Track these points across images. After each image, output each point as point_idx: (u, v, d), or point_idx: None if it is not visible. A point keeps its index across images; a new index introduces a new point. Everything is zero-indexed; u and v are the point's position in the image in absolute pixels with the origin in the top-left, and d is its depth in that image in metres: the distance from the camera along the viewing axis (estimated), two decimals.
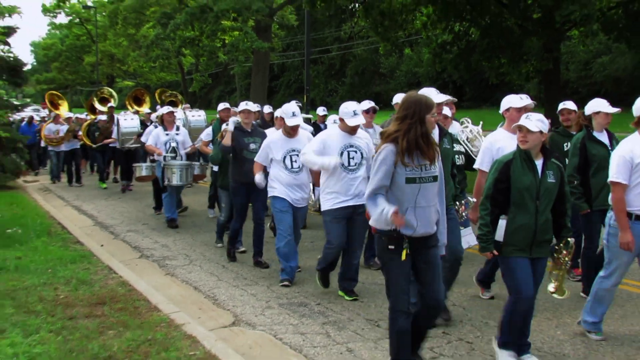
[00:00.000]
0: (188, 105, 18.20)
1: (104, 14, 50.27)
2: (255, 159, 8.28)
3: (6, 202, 14.45)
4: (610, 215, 5.83)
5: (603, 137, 7.22)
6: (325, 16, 52.07)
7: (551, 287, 5.69)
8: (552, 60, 17.95)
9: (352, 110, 7.14)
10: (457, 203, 6.55)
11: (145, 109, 18.67)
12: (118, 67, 59.25)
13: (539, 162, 5.25)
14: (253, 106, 9.29)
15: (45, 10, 54.39)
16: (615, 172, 5.70)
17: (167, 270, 8.96)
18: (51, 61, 67.82)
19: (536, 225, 5.20)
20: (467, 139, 8.40)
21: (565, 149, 7.65)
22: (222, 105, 11.80)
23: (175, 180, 11.62)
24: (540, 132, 5.16)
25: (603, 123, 7.24)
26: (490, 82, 21.52)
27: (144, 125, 16.04)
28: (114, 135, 16.62)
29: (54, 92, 23.59)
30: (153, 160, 12.76)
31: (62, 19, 58.81)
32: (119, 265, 8.87)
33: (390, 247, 4.83)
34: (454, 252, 6.15)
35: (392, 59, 52.57)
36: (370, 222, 4.89)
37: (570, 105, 8.12)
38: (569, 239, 5.42)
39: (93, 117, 19.26)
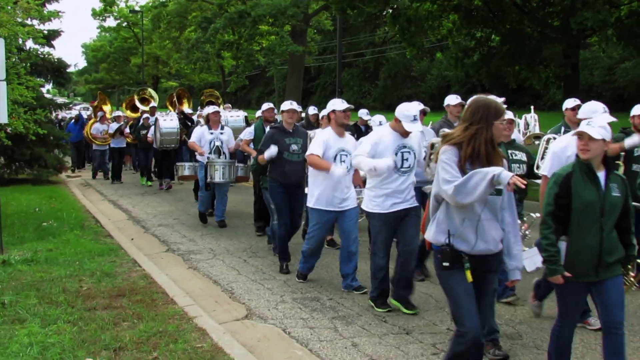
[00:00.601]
0: (229, 105, 18.27)
1: (149, 18, 51.17)
2: (311, 151, 7.47)
3: (46, 196, 14.92)
4: None
5: None
6: (358, 22, 52.32)
7: None
8: (570, 66, 18.05)
9: (413, 114, 6.54)
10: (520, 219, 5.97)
11: (185, 108, 18.93)
12: (162, 69, 60.26)
13: (600, 174, 4.64)
14: (290, 106, 8.82)
15: (95, 14, 55.53)
16: None
17: (190, 263, 9.17)
18: (100, 62, 69.43)
19: (601, 246, 4.57)
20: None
21: None
22: (266, 105, 11.28)
23: (218, 177, 11.50)
24: (603, 140, 4.56)
25: None
26: (510, 87, 21.59)
27: (184, 122, 16.48)
28: (150, 134, 16.73)
29: (102, 92, 24.22)
30: (196, 160, 12.75)
31: (110, 22, 60.07)
32: (144, 258, 9.11)
33: (445, 264, 4.37)
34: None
35: (424, 63, 52.83)
36: (426, 236, 4.51)
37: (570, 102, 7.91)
38: (637, 260, 4.94)
39: (134, 115, 19.85)
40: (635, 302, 6.98)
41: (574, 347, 5.71)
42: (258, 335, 6.20)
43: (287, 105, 8.83)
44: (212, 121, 12.04)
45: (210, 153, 11.71)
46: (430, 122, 10.09)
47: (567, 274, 4.57)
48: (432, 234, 4.49)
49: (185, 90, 22.21)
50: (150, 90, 22.68)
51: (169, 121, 15.94)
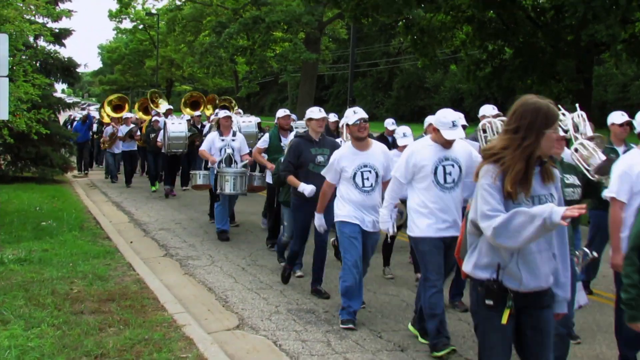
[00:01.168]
0: (240, 111, 17.64)
1: (164, 21, 51.27)
2: (326, 178, 6.90)
3: (49, 196, 14.79)
4: None
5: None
6: (372, 31, 52.30)
7: None
8: (582, 81, 17.85)
9: (451, 120, 5.77)
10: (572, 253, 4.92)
11: (198, 112, 18.72)
12: (175, 72, 60.35)
13: None
14: (319, 114, 7.96)
15: (111, 15, 55.60)
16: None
17: (187, 269, 9.00)
18: (115, 63, 69.52)
19: None
20: (580, 159, 6.37)
21: None
22: (282, 112, 10.60)
23: (229, 189, 10.62)
24: None
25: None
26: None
27: (195, 127, 16.25)
28: (159, 138, 15.92)
29: (119, 95, 23.72)
30: (207, 167, 12.00)
31: (127, 24, 60.04)
32: (139, 262, 8.92)
33: (487, 302, 3.66)
34: (565, 320, 4.74)
35: (437, 75, 52.78)
36: (464, 268, 3.83)
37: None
38: None
39: (147, 117, 19.38)
40: None
41: None
42: (247, 347, 6.00)
43: (315, 112, 7.90)
44: (223, 126, 11.32)
45: (221, 161, 10.93)
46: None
47: None
48: (473, 267, 3.75)
49: (201, 94, 21.86)
50: (161, 94, 22.36)
51: (177, 125, 15.39)
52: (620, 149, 7.26)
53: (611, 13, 14.68)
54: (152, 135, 16.65)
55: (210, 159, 11.07)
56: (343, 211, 6.71)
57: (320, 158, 7.69)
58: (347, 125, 6.72)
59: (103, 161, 21.82)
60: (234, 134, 11.33)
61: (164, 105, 19.52)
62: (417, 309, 6.22)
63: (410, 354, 5.89)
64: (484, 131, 7.33)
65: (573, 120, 6.60)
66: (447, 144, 5.85)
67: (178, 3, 46.42)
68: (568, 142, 6.13)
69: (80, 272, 8.10)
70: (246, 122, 14.26)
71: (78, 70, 20.30)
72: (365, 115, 6.64)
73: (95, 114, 26.60)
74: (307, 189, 7.54)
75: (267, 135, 10.69)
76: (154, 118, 17.49)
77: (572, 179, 5.60)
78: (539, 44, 19.14)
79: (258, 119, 17.08)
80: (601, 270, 7.81)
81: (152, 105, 20.44)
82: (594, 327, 6.73)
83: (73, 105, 20.19)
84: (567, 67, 18.19)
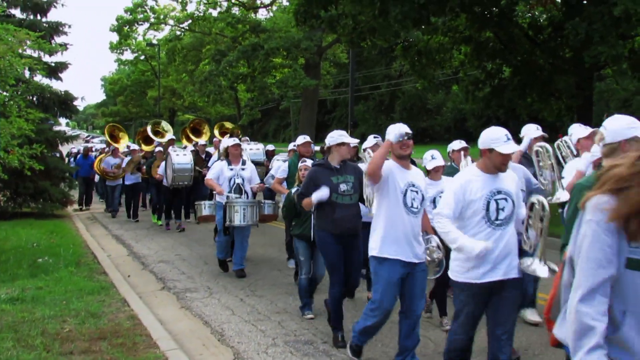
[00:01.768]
0: (247, 138, 16.83)
1: (165, 51, 51.53)
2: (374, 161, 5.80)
3: (47, 231, 14.62)
4: None
5: None
6: (372, 54, 52.47)
7: None
8: (582, 97, 17.74)
9: (504, 134, 5.07)
10: None
11: (202, 140, 18.11)
12: (176, 102, 60.55)
13: None
14: (351, 139, 7.27)
15: (113, 47, 55.89)
16: None
17: (184, 302, 8.80)
18: (117, 95, 69.87)
19: None
20: None
21: None
22: (302, 138, 9.94)
23: (238, 220, 9.85)
24: None
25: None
26: (522, 119, 21.37)
27: (197, 155, 15.70)
28: (161, 170, 15.23)
29: (115, 124, 23.46)
30: (212, 197, 11.42)
31: (128, 55, 60.44)
32: (134, 297, 8.74)
33: None
34: None
35: (440, 96, 52.93)
36: (557, 333, 3.03)
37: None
38: None
39: (148, 148, 18.79)
40: None
41: None
42: None
43: (335, 137, 7.02)
44: (232, 155, 10.52)
45: (230, 192, 10.23)
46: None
47: None
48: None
49: (203, 120, 21.39)
50: (164, 124, 21.76)
51: (182, 156, 14.51)
52: None
53: (612, 31, 14.58)
54: (153, 166, 16.12)
55: (218, 189, 10.25)
56: (382, 243, 5.80)
57: (344, 186, 6.82)
58: (389, 141, 5.77)
59: (102, 194, 21.53)
60: (244, 163, 10.59)
61: (169, 135, 18.94)
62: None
63: None
64: (538, 154, 7.02)
65: None
66: (501, 166, 5.06)
67: (178, 33, 46.73)
68: None
69: (73, 309, 7.91)
70: (254, 149, 13.86)
71: (75, 103, 20.20)
72: (409, 131, 5.81)
73: (100, 146, 26.51)
74: (319, 192, 6.70)
75: (285, 164, 10.25)
76: (157, 149, 16.83)
77: None
78: (537, 61, 19.06)
79: (271, 146, 16.86)
80: None
81: (156, 137, 19.63)
82: None
83: (71, 138, 19.93)
84: (566, 84, 18.07)
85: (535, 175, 6.89)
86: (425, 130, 50.38)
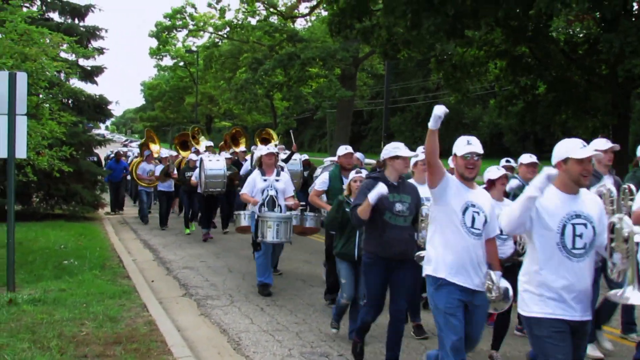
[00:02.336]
0: (283, 147, 16.32)
1: (202, 58, 51.96)
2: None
3: (76, 233, 14.76)
4: None
5: None
6: (409, 67, 52.33)
7: None
8: (618, 115, 17.39)
9: (580, 141, 4.51)
10: None
11: (242, 147, 17.74)
12: (213, 109, 60.96)
13: None
14: (407, 152, 6.32)
15: (152, 53, 56.55)
16: None
17: (204, 309, 8.78)
18: (155, 100, 70.63)
19: None
20: None
21: None
22: (343, 149, 9.21)
23: (271, 237, 9.22)
24: None
25: None
26: (556, 137, 21.00)
27: (237, 165, 15.42)
28: (195, 176, 14.86)
29: (150, 129, 23.06)
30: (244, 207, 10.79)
31: (167, 61, 61.10)
32: (155, 303, 8.73)
33: None
34: None
35: (476, 110, 52.41)
36: None
37: None
38: None
39: (185, 154, 18.59)
40: None
41: None
42: None
43: (389, 150, 6.28)
44: (266, 165, 9.87)
45: (262, 205, 9.57)
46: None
47: None
48: None
49: (241, 129, 20.72)
50: (204, 135, 21.28)
51: (214, 162, 14.27)
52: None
53: None
54: (188, 174, 15.47)
55: (252, 201, 9.66)
56: (438, 264, 5.17)
57: (399, 206, 6.14)
58: (455, 156, 5.21)
59: (133, 196, 21.49)
60: (278, 173, 9.89)
61: (204, 143, 18.68)
62: None
63: None
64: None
65: None
66: (579, 184, 4.45)
67: (216, 40, 47.08)
68: None
69: (92, 313, 7.94)
70: (290, 159, 13.46)
71: (110, 107, 20.41)
72: (479, 150, 5.11)
73: (135, 151, 26.63)
74: (377, 189, 5.98)
75: (325, 175, 9.33)
76: (190, 156, 16.33)
77: None
78: (572, 78, 18.82)
79: (305, 156, 16.63)
80: None
81: (192, 142, 19.41)
82: None
83: (105, 142, 20.10)
84: (602, 101, 17.74)
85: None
86: None
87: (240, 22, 42.68)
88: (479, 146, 5.13)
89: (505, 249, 6.35)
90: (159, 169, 17.80)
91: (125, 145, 52.37)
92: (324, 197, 9.25)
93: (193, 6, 46.11)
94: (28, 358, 6.11)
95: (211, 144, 17.80)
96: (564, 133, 19.80)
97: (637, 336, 7.10)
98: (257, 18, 42.00)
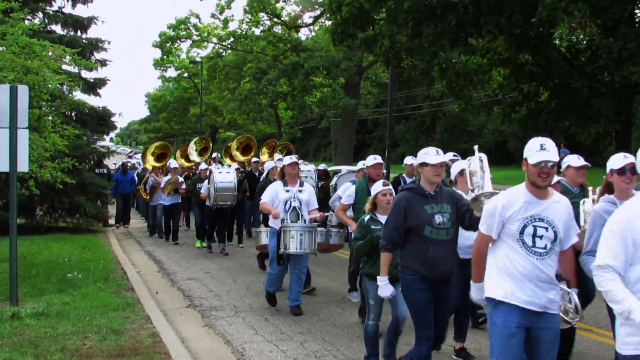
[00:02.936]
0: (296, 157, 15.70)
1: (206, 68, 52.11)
2: (480, 230, 4.75)
3: (80, 246, 14.75)
4: None
5: None
6: (413, 75, 52.38)
7: None
8: (621, 121, 17.43)
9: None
10: None
11: (256, 157, 17.11)
12: (217, 119, 61.03)
13: None
14: (438, 157, 5.69)
15: (156, 64, 56.72)
16: None
17: (208, 321, 8.74)
18: (160, 111, 70.73)
19: None
20: None
21: None
22: (372, 159, 8.64)
23: (294, 247, 8.71)
24: None
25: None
26: (559, 143, 20.97)
27: (252, 177, 15.20)
28: (204, 189, 14.48)
29: (162, 142, 21.41)
30: (266, 223, 10.28)
31: (171, 72, 61.25)
32: (159, 315, 8.71)
33: None
34: None
35: (481, 118, 52.48)
36: None
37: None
38: None
39: (189, 165, 18.11)
40: None
41: None
42: None
43: (419, 156, 5.78)
44: (289, 175, 9.37)
45: (285, 218, 9.05)
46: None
47: None
48: None
49: (252, 138, 19.79)
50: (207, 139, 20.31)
51: (224, 174, 13.89)
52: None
53: None
54: (199, 185, 14.96)
55: (274, 211, 9.10)
56: (497, 285, 4.59)
57: (439, 218, 5.57)
58: (526, 160, 4.55)
59: (143, 212, 21.24)
60: (301, 184, 9.44)
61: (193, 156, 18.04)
62: None
63: None
64: None
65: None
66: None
67: (220, 51, 47.19)
68: None
69: (96, 325, 7.91)
70: (304, 170, 12.52)
71: (114, 119, 20.41)
72: (554, 158, 4.45)
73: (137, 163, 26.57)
74: (385, 290, 5.83)
75: (352, 188, 8.82)
76: (202, 166, 15.79)
77: None
78: (574, 85, 18.85)
79: (324, 166, 16.28)
80: None
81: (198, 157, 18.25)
82: None
83: (108, 154, 19.98)
84: (604, 107, 17.72)
85: None
86: (467, 152, 50.16)
87: (244, 32, 42.81)
88: (555, 153, 4.47)
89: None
90: (164, 181, 17.14)
91: (130, 157, 52.41)
92: (350, 210, 8.94)
93: (197, 17, 46.24)
94: None
95: (216, 154, 17.59)
96: (567, 139, 19.83)
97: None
98: (261, 28, 42.18)
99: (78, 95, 18.60)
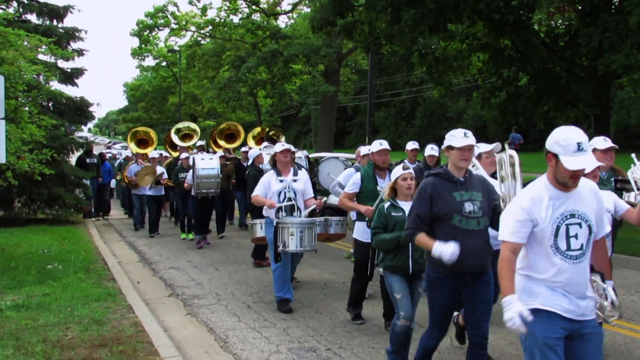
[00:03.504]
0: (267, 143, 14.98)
1: (185, 57, 51.86)
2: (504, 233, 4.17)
3: (60, 237, 14.56)
4: None
5: None
6: (393, 61, 52.49)
7: None
8: (599, 106, 17.52)
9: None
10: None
11: (245, 147, 16.62)
12: (196, 108, 60.80)
13: None
14: (464, 140, 5.18)
15: (134, 53, 56.27)
16: None
17: (190, 309, 8.72)
18: (138, 101, 70.34)
19: None
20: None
21: None
22: (377, 145, 7.89)
23: (294, 245, 8.12)
24: None
25: None
26: (538, 127, 21.13)
27: (240, 167, 14.89)
28: (188, 179, 14.02)
29: (141, 128, 21.29)
30: (256, 215, 9.86)
31: (150, 61, 60.86)
32: (140, 304, 8.64)
33: None
34: None
35: (460, 103, 52.85)
36: None
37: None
38: None
39: (175, 154, 17.58)
40: None
41: None
42: None
43: (447, 138, 5.28)
44: (281, 163, 8.72)
45: (280, 209, 8.47)
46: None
47: None
48: None
49: (237, 125, 19.47)
50: (190, 125, 19.61)
51: (207, 161, 13.48)
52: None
53: (626, 41, 14.38)
54: (182, 175, 14.50)
55: (269, 202, 8.46)
56: (534, 294, 4.09)
57: (469, 206, 5.09)
58: (555, 157, 4.03)
59: (125, 203, 20.96)
60: (296, 173, 8.78)
61: (198, 139, 17.63)
62: None
63: None
64: None
65: None
66: None
67: (199, 39, 46.92)
68: None
69: (77, 316, 7.83)
70: (296, 158, 11.20)
71: (92, 109, 20.14)
72: (592, 165, 4.15)
73: (124, 152, 26.23)
74: (446, 251, 4.93)
75: (357, 175, 8.03)
76: (182, 155, 15.28)
77: None
78: (553, 69, 18.93)
79: (305, 152, 15.38)
80: None
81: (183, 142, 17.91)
82: None
83: (87, 144, 19.55)
84: (583, 92, 17.83)
85: None
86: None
87: (222, 20, 42.59)
88: (591, 155, 4.08)
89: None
90: (133, 169, 16.91)
91: (109, 148, 52.02)
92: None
93: (175, 4, 45.93)
94: None
95: (202, 142, 17.31)
96: (545, 124, 19.93)
97: None
98: (240, 16, 41.97)
99: (55, 85, 18.41)
